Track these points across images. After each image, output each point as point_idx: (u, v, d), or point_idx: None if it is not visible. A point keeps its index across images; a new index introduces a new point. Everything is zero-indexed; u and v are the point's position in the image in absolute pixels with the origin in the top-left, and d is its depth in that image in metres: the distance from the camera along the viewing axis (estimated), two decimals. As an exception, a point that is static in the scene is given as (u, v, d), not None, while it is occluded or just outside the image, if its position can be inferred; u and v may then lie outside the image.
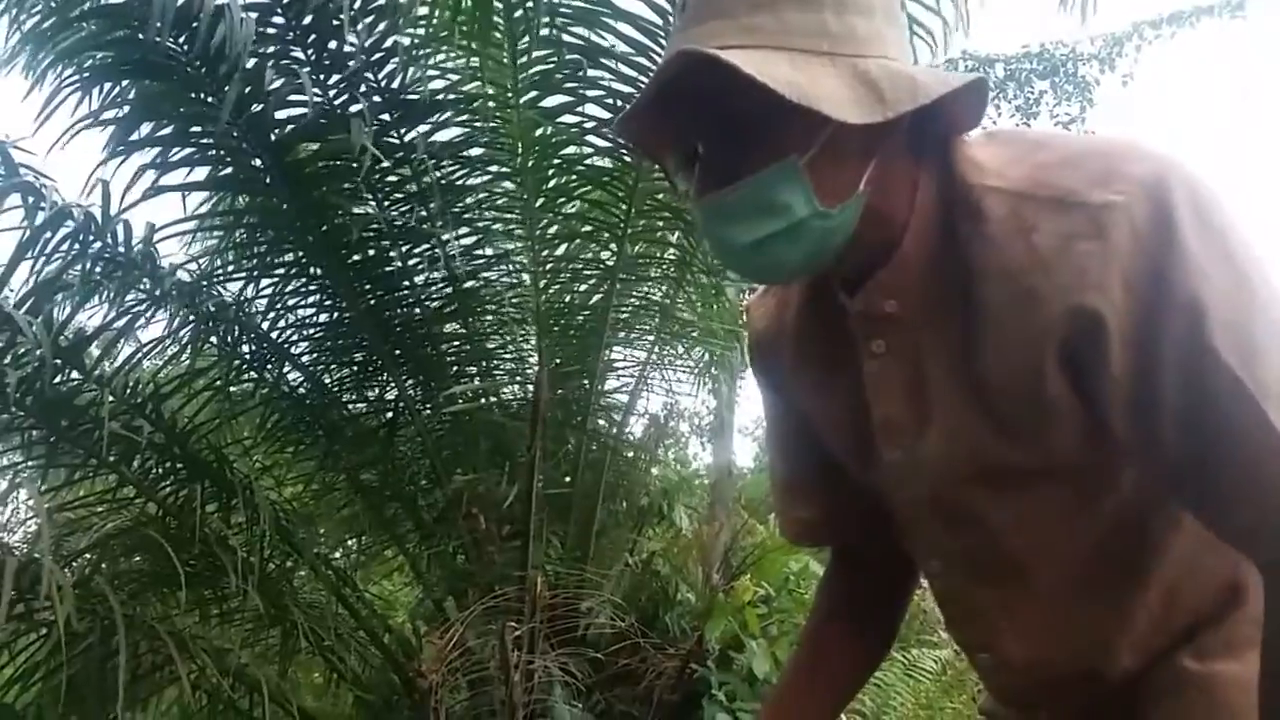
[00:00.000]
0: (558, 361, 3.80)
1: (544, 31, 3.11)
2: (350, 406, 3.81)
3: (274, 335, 3.55)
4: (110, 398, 2.87)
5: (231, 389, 3.51)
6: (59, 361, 2.83)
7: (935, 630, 5.11)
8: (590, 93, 3.32)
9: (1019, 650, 1.04)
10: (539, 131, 3.48)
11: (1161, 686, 0.99)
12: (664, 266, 4.00)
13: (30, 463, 3.12)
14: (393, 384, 3.65)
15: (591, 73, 3.24)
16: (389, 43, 3.08)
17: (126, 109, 2.95)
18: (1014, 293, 0.84)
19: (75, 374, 3.00)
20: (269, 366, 3.58)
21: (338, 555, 4.26)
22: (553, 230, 3.83)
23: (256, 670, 3.20)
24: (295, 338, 3.63)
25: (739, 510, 5.50)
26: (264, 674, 3.18)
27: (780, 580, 4.18)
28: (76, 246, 2.93)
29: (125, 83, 2.95)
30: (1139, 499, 0.93)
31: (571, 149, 3.64)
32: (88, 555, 3.07)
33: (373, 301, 3.51)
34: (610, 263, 3.74)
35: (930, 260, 0.90)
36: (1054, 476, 0.92)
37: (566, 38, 3.18)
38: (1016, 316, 0.84)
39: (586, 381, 3.83)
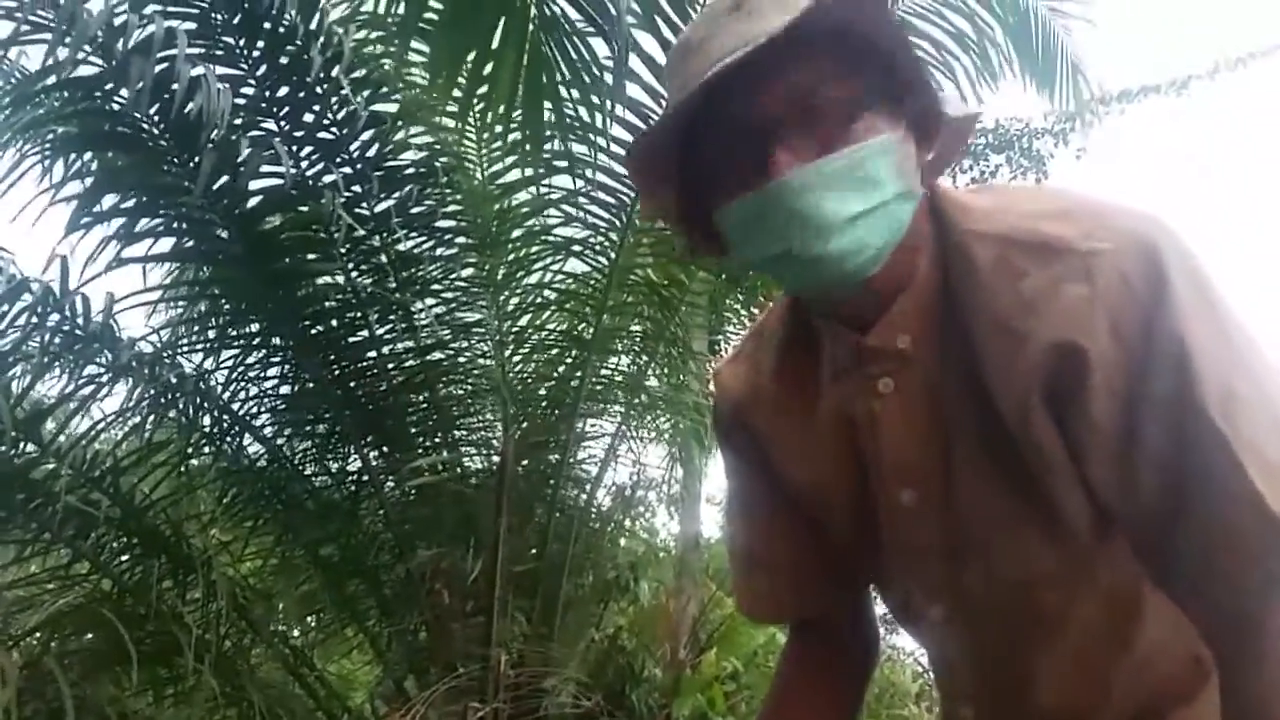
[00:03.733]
0: (523, 432, 3.77)
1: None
2: (312, 479, 3.75)
3: (235, 407, 3.50)
4: (67, 471, 2.81)
5: (191, 462, 3.45)
6: (15, 434, 2.77)
7: (905, 704, 5.08)
8: (561, 164, 3.34)
9: (1003, 703, 1.03)
10: (497, 205, 3.50)
11: None
12: (633, 339, 4.01)
13: (-20, 538, 3.04)
14: (356, 456, 3.60)
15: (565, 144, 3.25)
16: (365, 114, 3.09)
17: (90, 181, 2.93)
18: (1007, 339, 0.84)
19: (31, 446, 2.94)
20: (229, 439, 3.52)
21: (296, 633, 4.16)
22: (515, 302, 3.83)
23: (211, 753, 3.10)
24: (257, 409, 3.57)
25: (706, 582, 5.45)
26: (218, 757, 3.08)
27: (747, 655, 4.14)
28: (35, 319, 2.89)
29: (89, 155, 2.94)
30: (1129, 561, 0.91)
31: (535, 221, 3.65)
32: (37, 635, 2.98)
33: (337, 372, 3.48)
34: (585, 335, 3.73)
35: (934, 298, 0.90)
36: (1056, 524, 0.91)
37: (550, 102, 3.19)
38: (1009, 363, 0.84)
39: (555, 455, 3.80)
